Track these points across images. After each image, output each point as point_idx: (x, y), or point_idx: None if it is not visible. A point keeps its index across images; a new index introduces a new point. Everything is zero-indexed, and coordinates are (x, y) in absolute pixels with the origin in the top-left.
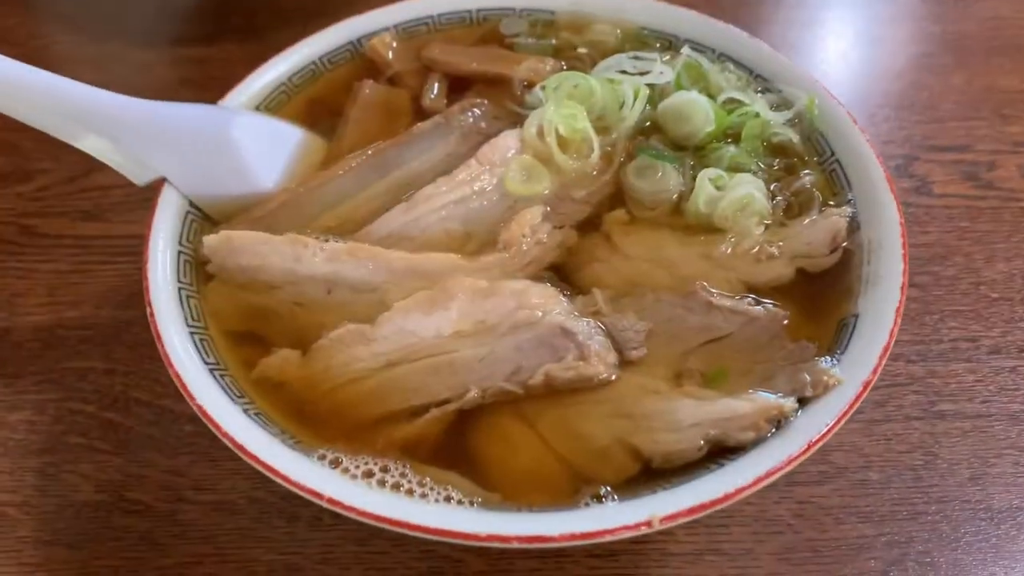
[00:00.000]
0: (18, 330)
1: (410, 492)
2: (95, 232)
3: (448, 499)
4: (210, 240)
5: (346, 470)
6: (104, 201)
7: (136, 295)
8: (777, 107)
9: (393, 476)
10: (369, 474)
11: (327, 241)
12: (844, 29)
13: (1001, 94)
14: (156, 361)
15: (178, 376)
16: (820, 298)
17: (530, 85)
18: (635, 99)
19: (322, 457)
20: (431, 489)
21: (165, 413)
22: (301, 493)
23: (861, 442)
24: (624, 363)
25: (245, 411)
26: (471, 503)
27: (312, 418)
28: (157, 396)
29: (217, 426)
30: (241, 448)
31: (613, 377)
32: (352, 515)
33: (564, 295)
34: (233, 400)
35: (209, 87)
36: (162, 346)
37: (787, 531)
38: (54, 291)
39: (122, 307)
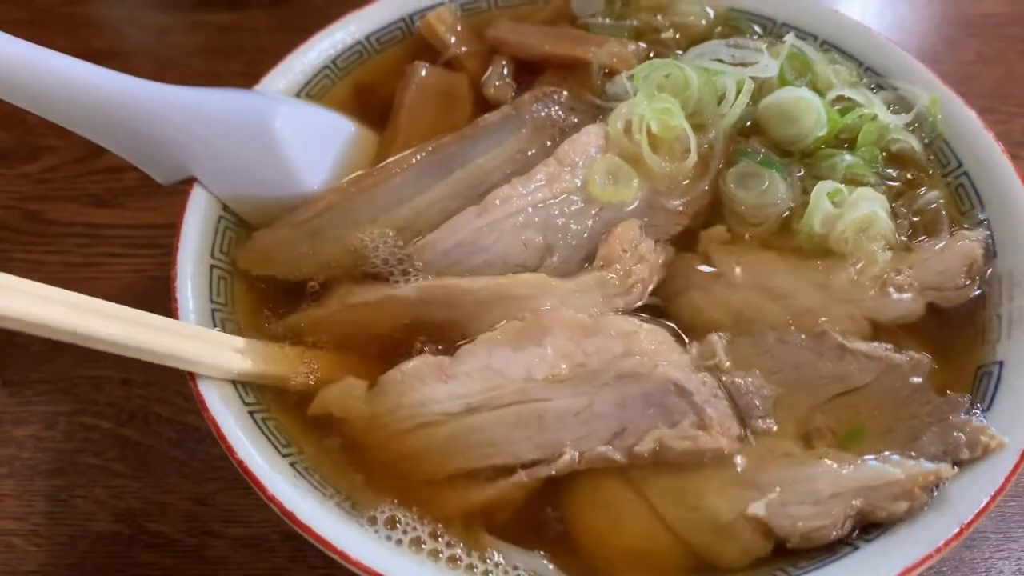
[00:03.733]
0: (23, 332)
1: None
2: (108, 220)
3: None
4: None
5: (405, 539)
6: (117, 185)
7: (154, 292)
8: (894, 108)
9: (461, 552)
10: (436, 553)
11: (389, 288)
12: (930, 6)
13: None
14: (179, 371)
15: (215, 423)
16: (951, 339)
17: (611, 73)
18: (737, 93)
19: (372, 520)
20: (506, 571)
21: (189, 431)
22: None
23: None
24: (748, 434)
25: (293, 465)
26: None
27: (373, 466)
28: (180, 412)
29: (263, 488)
30: (290, 516)
31: (735, 454)
32: None
33: (677, 340)
34: (279, 451)
35: (233, 56)
36: (195, 386)
37: None
38: (65, 286)
39: (139, 306)
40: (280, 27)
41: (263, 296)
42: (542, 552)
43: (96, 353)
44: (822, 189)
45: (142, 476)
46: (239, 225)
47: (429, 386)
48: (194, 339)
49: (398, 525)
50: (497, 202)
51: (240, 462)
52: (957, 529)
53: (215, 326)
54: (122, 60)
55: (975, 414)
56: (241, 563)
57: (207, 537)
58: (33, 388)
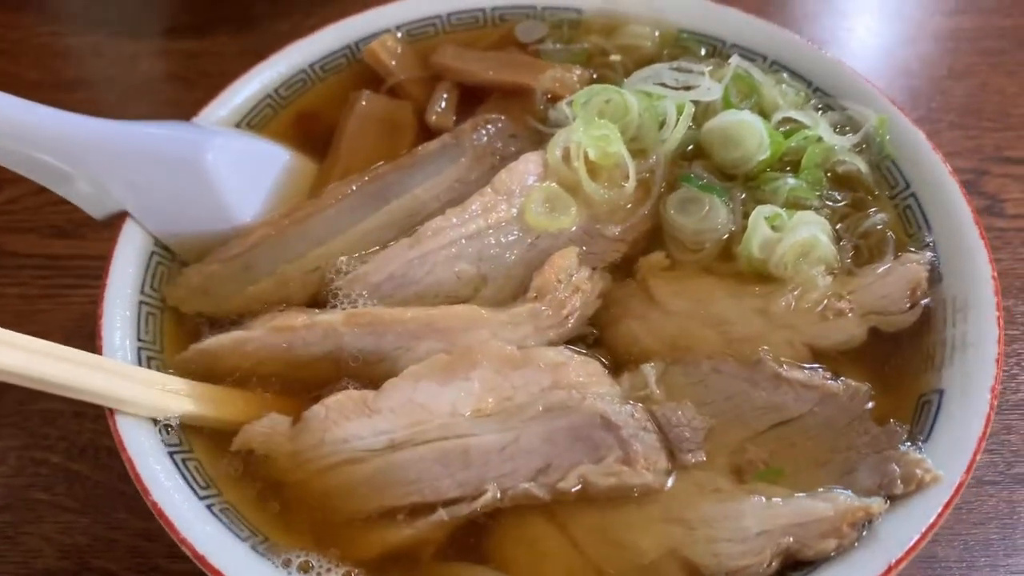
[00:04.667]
0: None
1: None
2: (67, 251)
3: None
4: (182, 360)
5: None
6: (78, 215)
7: None
8: (841, 128)
9: None
10: None
11: (317, 314)
12: (902, 24)
13: None
14: None
15: (131, 463)
16: (895, 365)
17: (554, 98)
18: (678, 118)
19: (287, 563)
20: None
21: None
22: None
23: None
24: (677, 467)
25: (210, 507)
26: None
27: (293, 504)
28: None
29: (175, 530)
30: (200, 559)
31: (664, 487)
32: None
33: (608, 371)
34: (196, 493)
35: (199, 84)
36: (114, 424)
37: None
38: (21, 318)
39: (94, 339)
40: (245, 52)
41: (193, 334)
42: None
43: None
44: (760, 213)
45: (89, 512)
46: (172, 260)
47: (352, 421)
48: (129, 379)
49: (312, 568)
50: (429, 233)
51: (154, 503)
52: (885, 568)
53: (140, 365)
54: (90, 89)
55: (914, 445)
56: None
57: (153, 573)
58: None
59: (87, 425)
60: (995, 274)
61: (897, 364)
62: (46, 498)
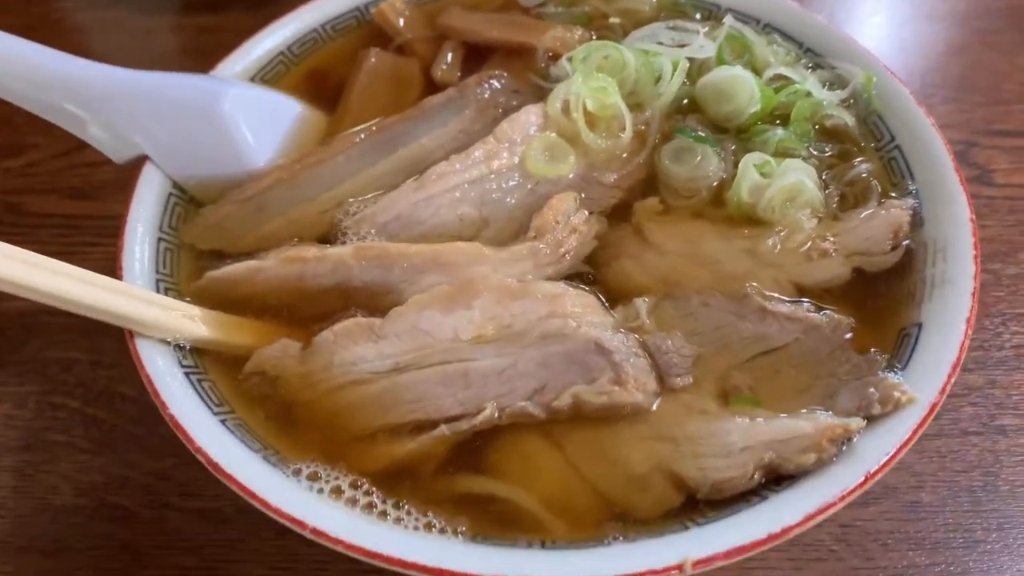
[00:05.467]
0: (2, 316)
1: (398, 521)
2: (86, 211)
3: (443, 531)
4: (198, 288)
5: (326, 488)
6: (95, 178)
7: None
8: (830, 85)
9: (377, 500)
10: (354, 501)
11: (327, 247)
12: (900, 4)
13: None
14: None
15: (149, 380)
16: (878, 302)
17: (555, 56)
18: (673, 73)
19: (297, 472)
20: (417, 518)
21: (152, 410)
22: (282, 521)
23: (912, 459)
24: (665, 390)
25: (223, 422)
26: (474, 537)
27: (302, 423)
28: (144, 391)
29: (190, 440)
30: (215, 467)
31: (652, 407)
32: (339, 548)
33: (603, 305)
34: (211, 409)
35: (215, 57)
36: (133, 345)
37: (829, 558)
38: None
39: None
40: (261, 27)
41: (208, 268)
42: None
43: (66, 335)
44: (749, 160)
45: (105, 452)
46: (188, 202)
47: (360, 346)
48: (150, 304)
49: (320, 477)
50: (434, 177)
51: (171, 416)
52: (862, 478)
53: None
54: (110, 63)
55: (892, 372)
56: (196, 534)
57: (165, 510)
58: (7, 369)
59: (102, 373)
60: (973, 217)
61: (879, 301)
62: (63, 439)
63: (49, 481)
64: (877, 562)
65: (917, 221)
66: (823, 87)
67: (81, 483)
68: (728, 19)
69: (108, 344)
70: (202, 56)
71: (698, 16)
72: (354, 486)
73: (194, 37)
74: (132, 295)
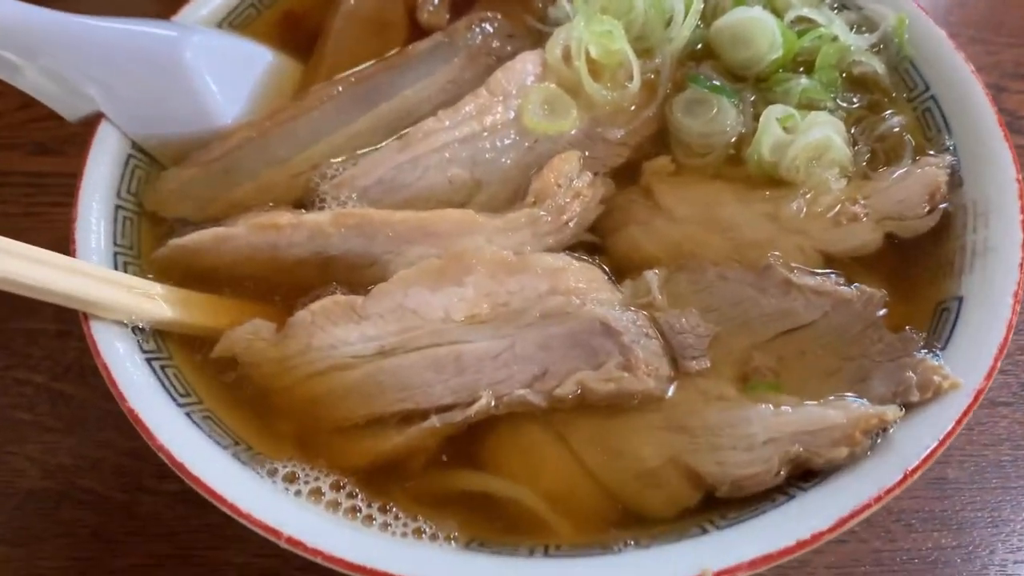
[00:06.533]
0: None
1: (385, 527)
2: (50, 168)
3: (434, 537)
4: (160, 257)
5: (304, 490)
6: (61, 132)
7: None
8: (858, 28)
9: (360, 503)
10: (335, 504)
11: (303, 213)
12: None
13: None
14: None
15: (106, 368)
16: (913, 273)
17: None
18: (685, 15)
19: (272, 472)
20: (406, 523)
21: None
22: (254, 528)
23: None
24: (680, 375)
25: (189, 415)
26: (469, 543)
27: (278, 414)
28: None
29: (152, 436)
30: (180, 468)
31: (666, 394)
32: (319, 560)
33: (609, 279)
34: (175, 400)
35: None
36: (88, 329)
37: (850, 539)
38: None
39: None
40: None
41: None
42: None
43: (32, 304)
44: (771, 113)
45: (75, 431)
46: (150, 164)
47: (340, 327)
48: (106, 282)
49: (298, 478)
50: (420, 136)
51: (131, 410)
52: (900, 476)
53: (117, 269)
54: (65, 3)
55: (930, 353)
56: (174, 519)
57: (139, 493)
58: None
59: (72, 344)
60: (1019, 177)
61: (914, 271)
62: (29, 418)
63: (14, 464)
64: (900, 544)
65: (955, 181)
66: (850, 30)
67: (48, 465)
68: None
69: (77, 313)
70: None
71: None
72: (335, 487)
73: None
74: (85, 273)
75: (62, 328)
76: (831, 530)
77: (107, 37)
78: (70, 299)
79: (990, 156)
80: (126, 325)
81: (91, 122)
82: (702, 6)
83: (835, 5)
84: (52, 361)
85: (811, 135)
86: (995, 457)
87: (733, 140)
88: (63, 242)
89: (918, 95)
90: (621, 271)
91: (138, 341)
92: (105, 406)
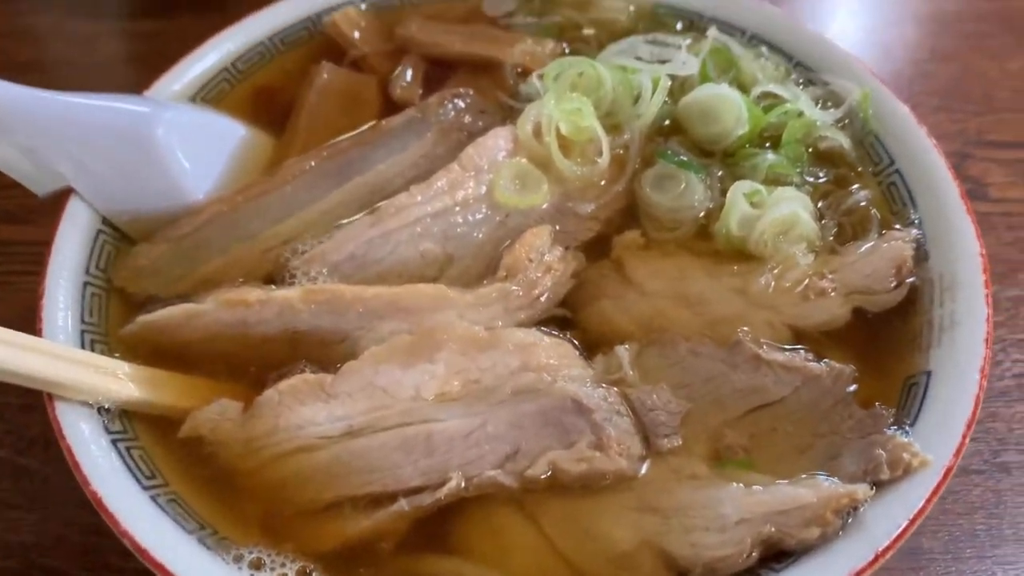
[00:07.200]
0: None
1: None
2: (18, 236)
3: None
4: (128, 334)
5: None
6: (29, 201)
7: None
8: (823, 103)
9: None
10: None
11: (273, 289)
12: (884, 6)
13: None
14: None
15: (70, 451)
16: (881, 348)
17: (525, 72)
18: (653, 91)
19: (238, 558)
20: None
21: None
22: None
23: None
24: (652, 453)
25: (154, 498)
26: None
27: (244, 496)
28: None
29: (115, 522)
30: (143, 553)
31: (638, 474)
32: None
33: (581, 354)
34: (141, 483)
35: (160, 66)
36: (52, 410)
37: None
38: None
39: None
40: (209, 34)
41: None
42: None
43: None
44: (738, 189)
45: (37, 508)
46: (120, 240)
47: (308, 407)
48: (71, 362)
49: (264, 565)
50: (392, 211)
51: (93, 494)
52: (872, 557)
53: (84, 348)
54: (44, 72)
55: (900, 429)
56: None
57: (104, 572)
58: None
59: (36, 417)
60: (983, 251)
61: (882, 345)
62: None
63: None
64: None
65: (921, 255)
66: (816, 105)
67: (10, 543)
68: (712, 31)
69: None
70: (146, 65)
71: (679, 27)
72: (302, 574)
73: (140, 44)
74: (50, 353)
75: (26, 402)
76: None
77: (80, 114)
78: (34, 380)
79: (954, 231)
80: (92, 406)
81: (61, 193)
82: (669, 83)
83: (801, 81)
84: (15, 435)
85: (778, 210)
86: (969, 526)
87: (702, 215)
88: (30, 312)
89: (883, 169)
90: (593, 345)
91: (103, 422)
92: (70, 482)
